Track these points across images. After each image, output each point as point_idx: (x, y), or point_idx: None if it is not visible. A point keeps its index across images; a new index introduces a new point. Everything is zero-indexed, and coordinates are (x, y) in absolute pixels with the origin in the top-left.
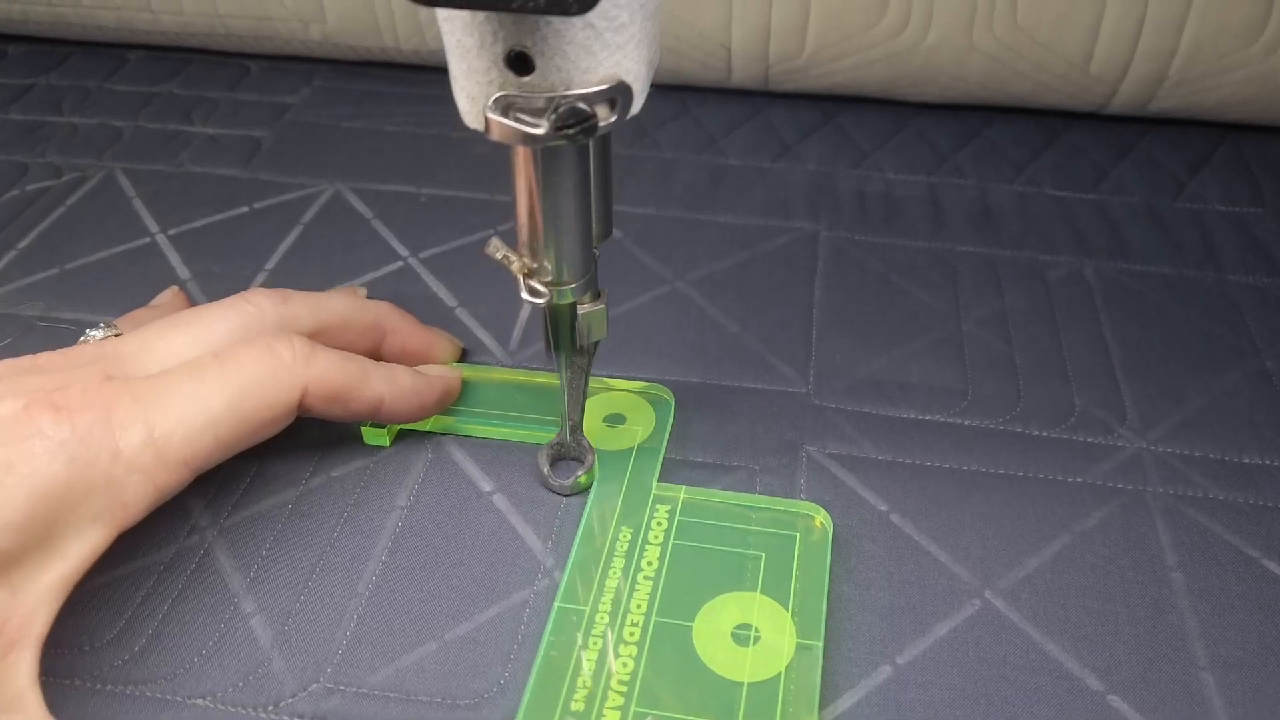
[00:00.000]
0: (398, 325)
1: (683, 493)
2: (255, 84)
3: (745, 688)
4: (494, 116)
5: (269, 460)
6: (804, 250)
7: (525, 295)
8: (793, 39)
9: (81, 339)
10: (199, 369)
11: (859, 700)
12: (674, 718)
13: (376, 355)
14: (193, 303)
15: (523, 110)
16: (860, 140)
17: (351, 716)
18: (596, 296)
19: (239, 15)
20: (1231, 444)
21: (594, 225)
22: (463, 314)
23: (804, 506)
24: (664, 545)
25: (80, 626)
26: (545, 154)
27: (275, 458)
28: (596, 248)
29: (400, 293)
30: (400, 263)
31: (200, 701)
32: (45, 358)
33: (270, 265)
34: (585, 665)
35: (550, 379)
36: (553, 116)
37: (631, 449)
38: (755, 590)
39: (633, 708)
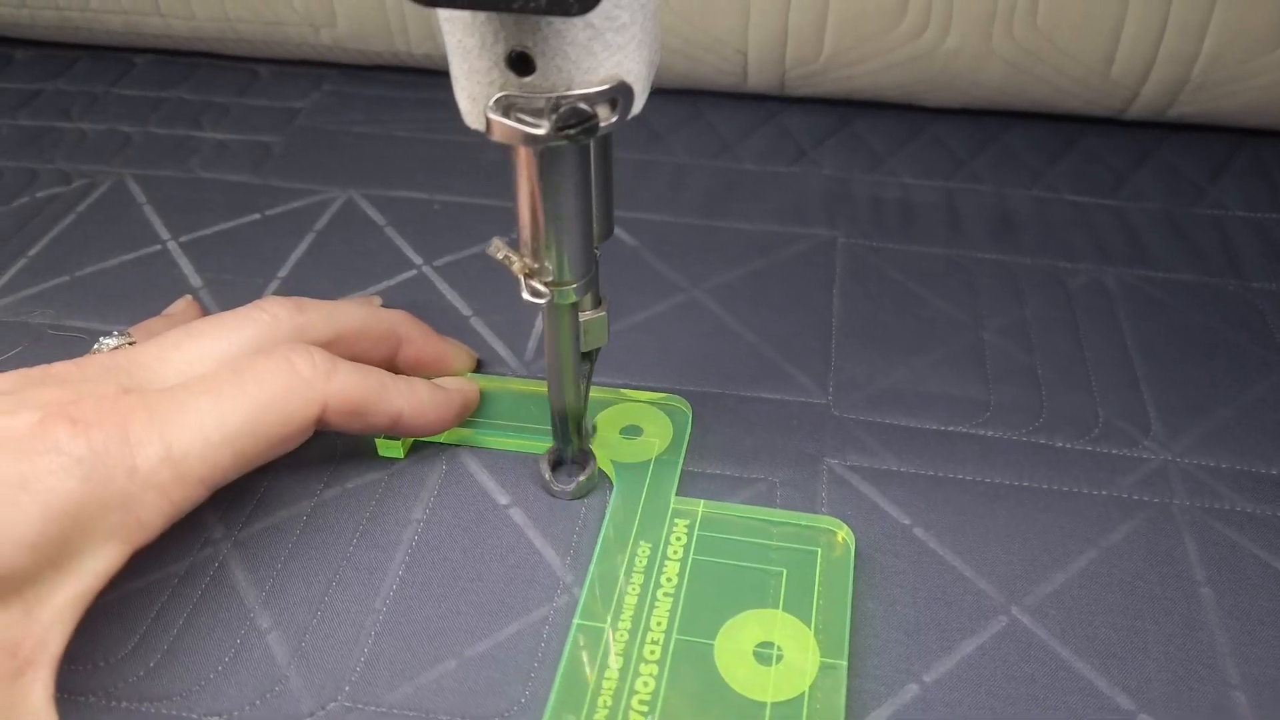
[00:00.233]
0: (413, 335)
1: (701, 507)
2: (264, 89)
3: (769, 708)
4: (495, 117)
5: (282, 471)
6: (822, 257)
7: (526, 295)
8: (810, 43)
9: (95, 348)
10: (216, 383)
11: None
12: None
13: (391, 365)
14: (206, 312)
15: (524, 111)
16: (876, 145)
17: None
18: (598, 302)
19: (249, 20)
20: (1259, 455)
21: (595, 225)
22: (477, 323)
23: (826, 521)
24: (683, 561)
25: (94, 642)
26: (546, 154)
27: (288, 469)
28: (597, 248)
29: (414, 301)
30: (414, 271)
31: None
32: (59, 368)
33: (283, 273)
34: (606, 684)
35: None
36: (554, 117)
37: (649, 461)
38: (777, 607)
39: None
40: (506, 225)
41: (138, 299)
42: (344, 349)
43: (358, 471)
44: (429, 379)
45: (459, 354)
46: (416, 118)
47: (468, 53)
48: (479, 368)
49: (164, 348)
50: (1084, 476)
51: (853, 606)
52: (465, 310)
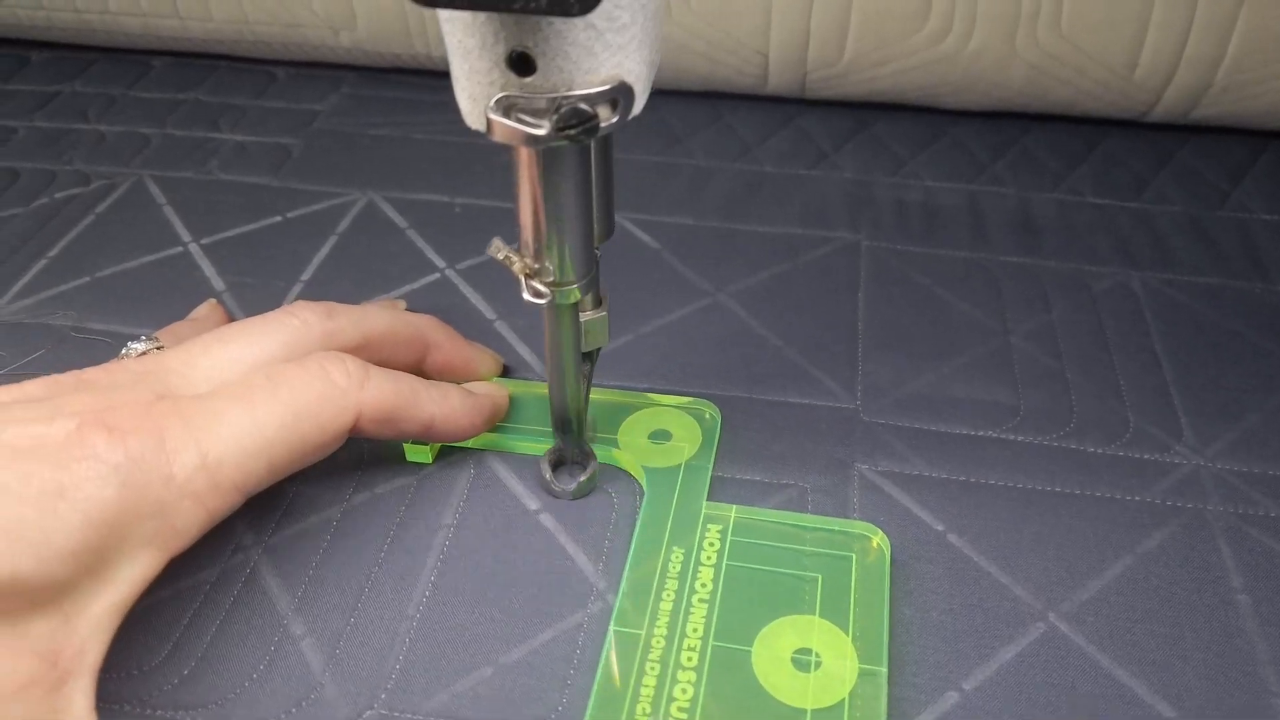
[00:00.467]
0: (440, 340)
1: (734, 512)
2: (282, 91)
3: (809, 715)
4: (496, 117)
5: (310, 477)
6: (845, 261)
7: (527, 296)
8: (831, 46)
9: (124, 352)
10: (250, 391)
11: None
12: None
13: (419, 370)
14: (231, 316)
15: (524, 111)
16: (897, 148)
17: None
18: (599, 302)
19: (268, 22)
20: None
21: (595, 225)
22: (502, 327)
23: (859, 526)
24: (717, 566)
25: (128, 649)
26: (547, 155)
27: (316, 474)
28: (598, 248)
29: (438, 305)
30: (437, 274)
31: None
32: (90, 374)
33: (305, 276)
34: (644, 691)
35: (593, 394)
36: (554, 117)
37: (679, 466)
38: (813, 613)
39: None
40: None
41: (160, 301)
42: (372, 354)
43: (386, 477)
44: (457, 384)
45: (486, 359)
46: (435, 120)
47: (468, 53)
48: (505, 372)
49: (194, 353)
50: (1116, 482)
51: (889, 613)
52: (489, 314)
